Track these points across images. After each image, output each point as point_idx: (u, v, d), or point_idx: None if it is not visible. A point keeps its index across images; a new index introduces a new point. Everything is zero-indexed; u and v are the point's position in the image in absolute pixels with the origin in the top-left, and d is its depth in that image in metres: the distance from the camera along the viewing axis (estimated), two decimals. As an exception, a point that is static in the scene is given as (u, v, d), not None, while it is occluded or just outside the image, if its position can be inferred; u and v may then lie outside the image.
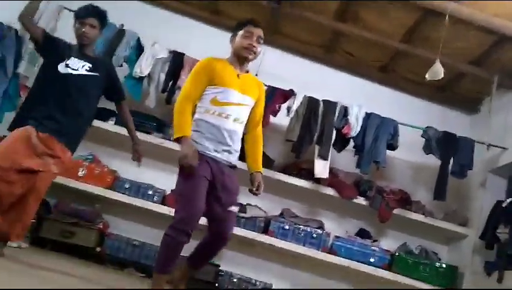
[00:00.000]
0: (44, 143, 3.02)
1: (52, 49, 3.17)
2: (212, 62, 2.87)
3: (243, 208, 4.63)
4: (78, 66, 3.15)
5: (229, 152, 2.82)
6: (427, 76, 4.22)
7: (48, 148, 3.02)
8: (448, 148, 4.77)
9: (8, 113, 4.37)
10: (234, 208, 2.85)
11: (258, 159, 2.96)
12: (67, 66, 3.13)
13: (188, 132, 2.74)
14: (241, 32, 2.89)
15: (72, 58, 3.16)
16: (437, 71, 4.17)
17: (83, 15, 3.17)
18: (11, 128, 3.11)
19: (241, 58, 2.89)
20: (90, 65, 3.18)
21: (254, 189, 2.88)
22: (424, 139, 4.84)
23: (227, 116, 2.79)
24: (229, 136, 2.80)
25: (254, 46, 2.87)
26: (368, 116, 4.77)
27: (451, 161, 4.78)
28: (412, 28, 4.72)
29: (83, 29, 3.14)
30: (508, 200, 4.41)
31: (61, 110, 3.07)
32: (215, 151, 2.77)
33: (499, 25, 4.26)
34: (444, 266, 4.73)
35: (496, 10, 4.14)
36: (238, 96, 2.84)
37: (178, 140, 2.74)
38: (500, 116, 4.98)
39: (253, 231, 4.57)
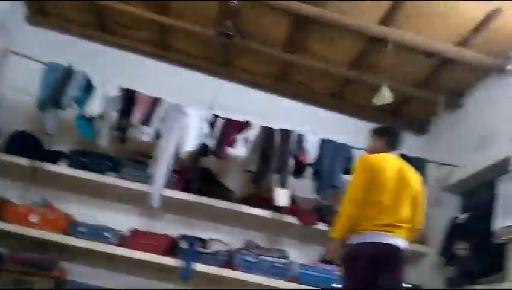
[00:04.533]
0: None
1: None
2: None
3: (204, 243, 4.55)
4: None
5: None
6: (374, 101, 4.35)
7: None
8: (402, 169, 4.87)
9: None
10: None
11: None
12: None
13: None
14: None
15: None
16: (384, 96, 4.29)
17: None
18: None
19: None
20: None
21: None
22: (378, 161, 4.92)
23: None
24: None
25: None
26: (323, 143, 4.85)
27: (406, 181, 4.87)
28: (358, 56, 4.88)
29: None
30: (463, 216, 4.53)
31: None
32: None
33: (439, 48, 4.46)
34: (409, 286, 4.75)
35: (436, 33, 4.34)
36: None
37: None
38: (448, 135, 5.17)
39: (217, 265, 4.48)
